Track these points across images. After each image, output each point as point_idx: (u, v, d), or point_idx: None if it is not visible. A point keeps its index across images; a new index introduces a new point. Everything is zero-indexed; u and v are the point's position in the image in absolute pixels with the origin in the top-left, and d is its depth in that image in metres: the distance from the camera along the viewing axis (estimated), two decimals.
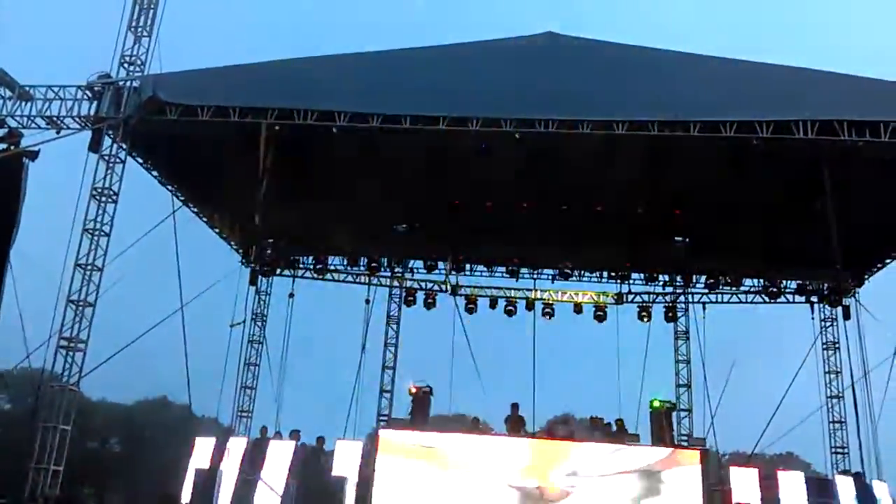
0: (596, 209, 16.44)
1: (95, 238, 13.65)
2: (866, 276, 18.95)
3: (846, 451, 18.76)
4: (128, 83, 13.84)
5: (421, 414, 15.68)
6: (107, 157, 13.85)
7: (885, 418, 17.22)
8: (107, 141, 13.84)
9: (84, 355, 13.40)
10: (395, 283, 21.81)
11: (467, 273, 20.83)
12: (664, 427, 15.02)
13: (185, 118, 13.49)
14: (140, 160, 15.25)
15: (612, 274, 20.71)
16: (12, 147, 13.82)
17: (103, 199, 13.75)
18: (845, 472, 17.42)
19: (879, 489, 14.77)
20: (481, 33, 16.98)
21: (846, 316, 18.97)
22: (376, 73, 13.92)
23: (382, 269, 20.99)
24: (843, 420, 19.05)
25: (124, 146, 14.01)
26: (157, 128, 13.80)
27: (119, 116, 13.64)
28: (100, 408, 32.79)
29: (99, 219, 13.69)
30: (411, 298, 21.43)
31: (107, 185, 13.78)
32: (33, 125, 13.96)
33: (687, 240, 17.72)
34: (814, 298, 20.17)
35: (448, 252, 19.53)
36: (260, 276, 20.17)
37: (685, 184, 15.17)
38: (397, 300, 21.98)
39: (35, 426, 13.00)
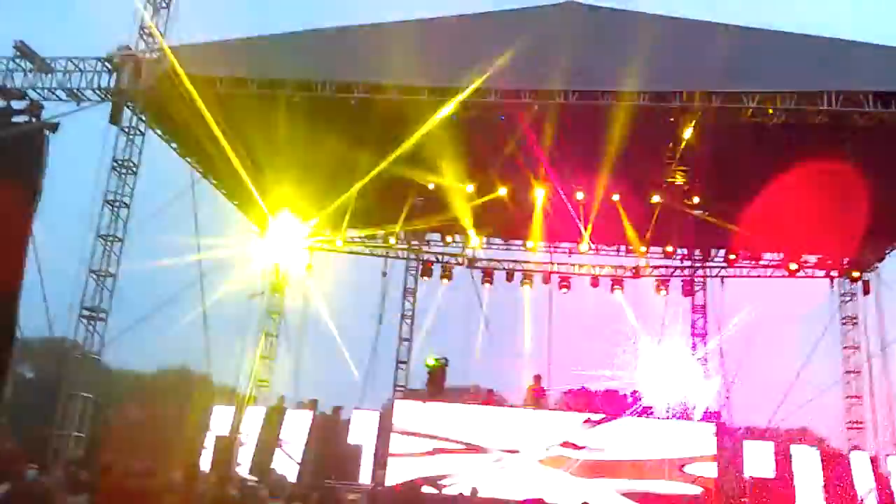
0: (614, 182, 16.30)
1: (116, 209, 13.79)
2: (887, 251, 18.76)
3: (862, 426, 18.71)
4: (147, 55, 13.85)
5: (436, 385, 15.86)
6: (127, 129, 13.93)
7: None
8: (127, 113, 13.92)
9: (105, 325, 13.60)
10: (412, 256, 21.85)
11: (484, 246, 20.84)
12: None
13: (204, 89, 13.50)
14: (159, 132, 15.31)
15: (630, 248, 20.63)
16: (34, 119, 13.92)
17: (124, 170, 13.87)
18: (859, 448, 17.42)
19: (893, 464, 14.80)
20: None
21: (866, 291, 18.83)
22: (395, 44, 13.82)
23: (399, 242, 21.00)
24: (859, 395, 18.98)
25: (144, 118, 14.08)
26: (176, 100, 13.82)
27: (139, 89, 13.69)
28: (120, 376, 33.26)
29: (119, 190, 13.82)
30: (428, 271, 21.47)
31: (127, 156, 13.88)
32: (54, 97, 14.07)
33: (706, 213, 17.62)
34: (833, 273, 20.00)
35: (466, 225, 19.49)
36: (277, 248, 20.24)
37: (706, 156, 15.00)
38: (414, 272, 22.03)
39: (58, 394, 13.26)
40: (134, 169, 13.92)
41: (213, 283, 16.95)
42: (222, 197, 18.57)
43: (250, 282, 18.51)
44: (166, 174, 16.26)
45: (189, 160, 16.43)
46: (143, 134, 14.09)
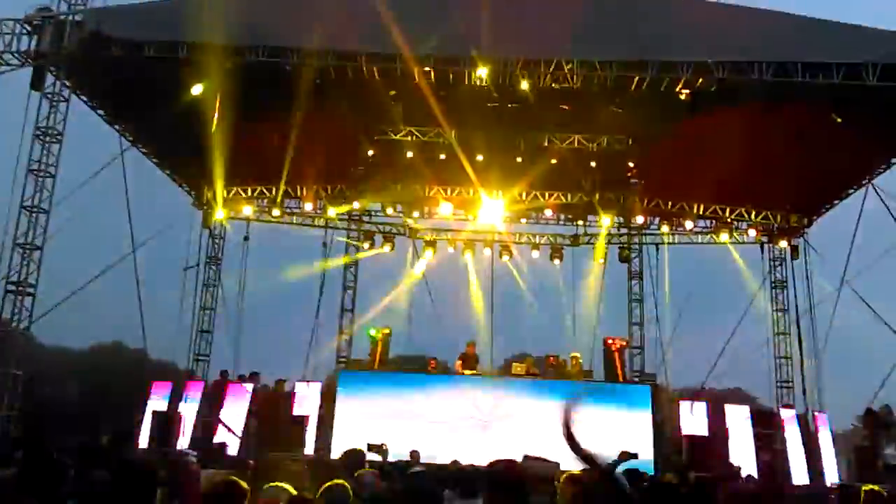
0: (552, 149, 16.46)
1: (41, 179, 13.25)
2: (815, 217, 19.42)
3: (791, 385, 19.47)
4: (69, 17, 13.23)
5: (379, 355, 15.85)
6: (50, 96, 13.34)
7: (828, 353, 17.96)
8: (49, 78, 13.32)
9: (33, 299, 13.14)
10: (353, 226, 21.66)
11: (426, 216, 20.79)
12: (617, 364, 15.44)
13: (132, 53, 13.00)
14: (85, 98, 14.69)
15: (570, 217, 20.87)
16: None
17: (47, 138, 13.32)
18: (788, 406, 18.17)
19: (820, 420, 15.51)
20: None
21: (794, 255, 19.48)
22: (334, 7, 13.50)
23: (340, 212, 20.73)
24: (788, 356, 19.72)
25: (67, 84, 13.50)
26: (102, 64, 13.28)
27: (61, 52, 13.07)
28: (53, 353, 32.38)
29: (44, 159, 13.28)
30: (370, 241, 21.31)
31: (51, 124, 13.32)
32: None
33: (642, 181, 17.97)
34: (764, 238, 20.62)
35: (407, 194, 19.42)
36: (213, 219, 19.78)
37: (642, 125, 15.22)
38: (355, 242, 21.83)
39: None
40: (58, 137, 13.36)
41: (147, 255, 16.53)
42: (153, 166, 17.95)
43: (185, 254, 18.13)
44: (94, 142, 15.67)
45: (117, 127, 15.84)
46: (67, 100, 13.51)
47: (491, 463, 4.10)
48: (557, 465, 6.34)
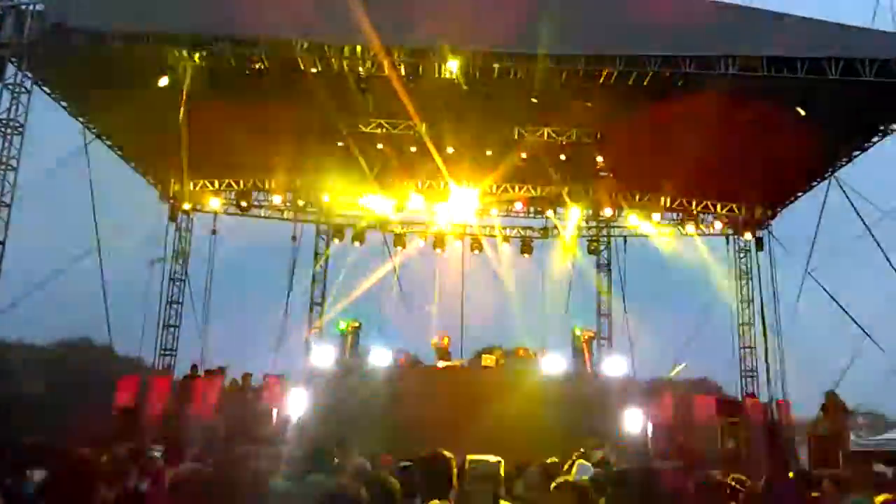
0: (522, 143, 16.53)
1: (2, 172, 12.99)
2: (779, 209, 19.74)
3: (755, 374, 19.81)
4: (31, 6, 12.94)
5: (349, 348, 15.80)
6: (11, 87, 13.07)
7: (791, 343, 18.33)
8: (10, 69, 13.05)
9: None
10: (322, 219, 21.51)
11: (396, 209, 20.70)
12: (586, 355, 15.57)
13: (95, 44, 12.75)
14: (47, 90, 14.40)
15: (539, 210, 20.95)
16: None
17: (9, 131, 13.06)
18: (752, 395, 18.50)
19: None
20: None
21: (759, 247, 19.80)
22: None
23: (309, 205, 20.56)
24: (753, 346, 20.06)
25: (29, 74, 13.23)
26: (65, 55, 13.02)
27: (22, 42, 12.79)
28: (16, 349, 31.77)
29: (5, 152, 13.01)
30: (339, 234, 21.17)
31: (12, 116, 13.06)
32: None
33: (611, 174, 18.08)
34: (730, 230, 20.91)
35: (376, 186, 19.33)
36: (180, 213, 19.53)
37: (609, 118, 15.31)
38: (325, 236, 21.69)
39: None
40: (20, 129, 13.09)
41: (112, 249, 16.30)
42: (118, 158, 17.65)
43: (151, 247, 17.90)
44: (57, 134, 15.38)
45: (81, 120, 15.55)
46: (29, 92, 13.24)
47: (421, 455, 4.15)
48: (499, 462, 6.44)
